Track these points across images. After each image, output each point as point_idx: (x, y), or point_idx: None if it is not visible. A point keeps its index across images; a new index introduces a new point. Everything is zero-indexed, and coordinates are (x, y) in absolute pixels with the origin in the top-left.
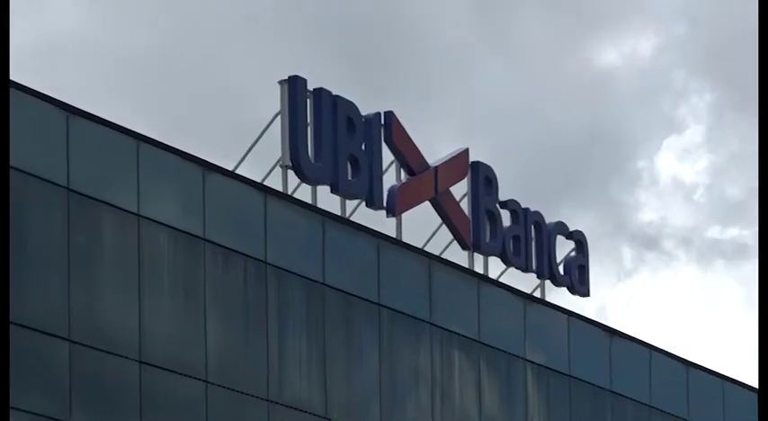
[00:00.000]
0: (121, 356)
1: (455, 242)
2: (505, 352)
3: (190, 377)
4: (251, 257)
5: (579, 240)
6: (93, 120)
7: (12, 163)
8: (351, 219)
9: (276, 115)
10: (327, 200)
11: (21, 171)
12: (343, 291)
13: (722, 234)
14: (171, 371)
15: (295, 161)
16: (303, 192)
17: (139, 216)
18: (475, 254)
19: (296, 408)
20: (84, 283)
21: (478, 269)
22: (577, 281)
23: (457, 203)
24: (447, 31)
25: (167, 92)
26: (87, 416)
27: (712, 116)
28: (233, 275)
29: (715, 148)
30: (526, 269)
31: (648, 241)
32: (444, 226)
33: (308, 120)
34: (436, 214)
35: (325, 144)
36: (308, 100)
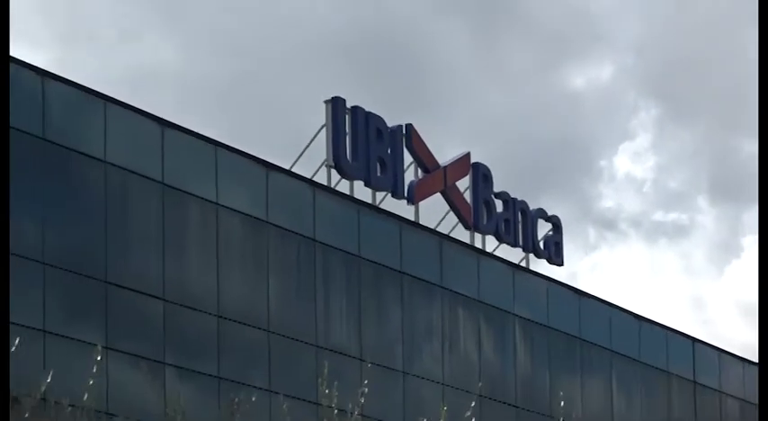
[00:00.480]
0: (203, 311)
1: (459, 224)
2: (499, 308)
3: (255, 327)
4: (303, 236)
5: (555, 223)
6: (181, 130)
7: (120, 163)
8: (379, 206)
9: (322, 127)
10: (361, 192)
11: (126, 169)
12: (373, 262)
13: (665, 217)
14: (241, 322)
15: (337, 162)
16: (343, 186)
17: (218, 205)
18: (475, 233)
19: (338, 352)
20: (175, 256)
21: (478, 245)
22: (554, 254)
23: (461, 194)
24: (453, 62)
25: (240, 108)
26: (177, 357)
27: (657, 127)
28: (289, 250)
29: (659, 152)
30: (514, 245)
31: (608, 223)
32: (451, 212)
33: (347, 131)
34: (445, 203)
35: (359, 149)
36: (346, 115)
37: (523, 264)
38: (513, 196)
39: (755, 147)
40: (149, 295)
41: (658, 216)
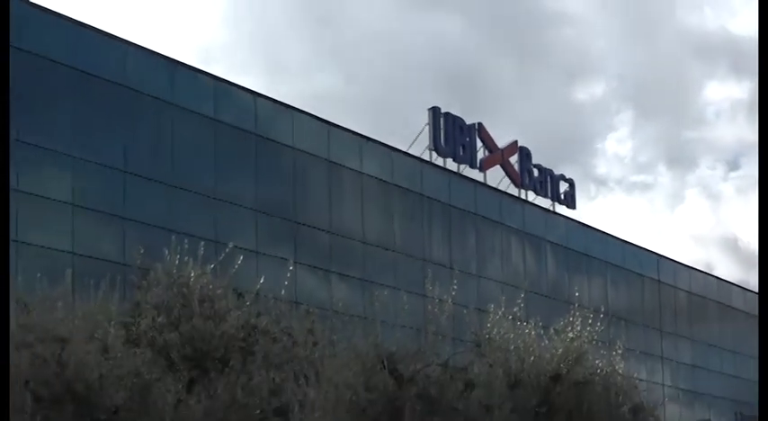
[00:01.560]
0: (354, 240)
1: (511, 184)
2: (535, 236)
3: (386, 248)
4: (415, 192)
5: (570, 183)
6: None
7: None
8: (461, 174)
9: (426, 124)
10: (450, 165)
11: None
12: (459, 208)
13: (637, 178)
14: (377, 245)
15: (436, 146)
16: (438, 162)
17: (362, 174)
18: (521, 189)
19: (437, 263)
20: (339, 209)
21: (522, 197)
22: (569, 202)
23: (512, 165)
24: (505, 82)
25: (383, 112)
26: (339, 268)
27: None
28: (409, 202)
29: (634, 137)
30: (545, 196)
31: (602, 182)
32: (506, 177)
33: (441, 127)
34: (503, 171)
35: (449, 138)
36: (441, 117)
37: (551, 208)
38: (544, 166)
39: (692, 133)
40: (318, 229)
41: (633, 178)
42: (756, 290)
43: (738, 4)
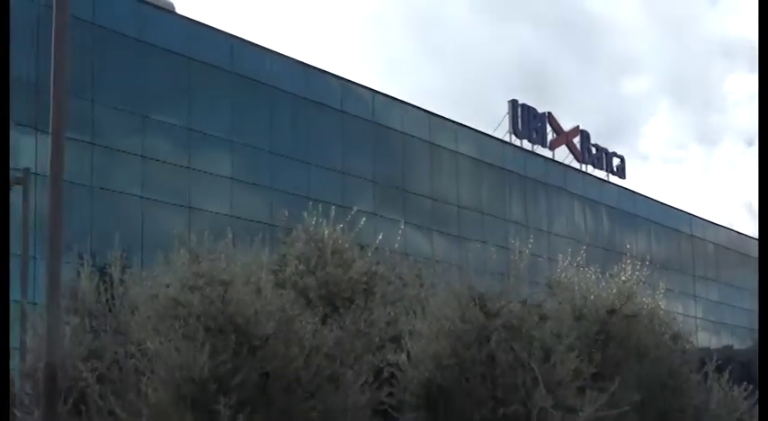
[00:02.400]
0: (451, 204)
1: (574, 160)
2: (594, 200)
3: (468, 209)
4: (495, 166)
5: (621, 158)
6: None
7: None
8: (535, 152)
9: (506, 113)
10: (526, 145)
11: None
12: (533, 179)
13: (672, 154)
14: (461, 207)
15: (514, 130)
16: (516, 143)
17: (457, 153)
18: (582, 164)
19: (513, 221)
20: (446, 176)
21: (583, 170)
22: (621, 173)
23: (575, 145)
24: (570, 84)
25: (476, 107)
26: (438, 227)
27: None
28: (488, 177)
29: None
30: (602, 169)
31: (645, 158)
32: (570, 154)
33: (518, 114)
34: (567, 150)
35: (524, 124)
36: (518, 107)
37: (605, 178)
38: (600, 145)
39: (717, 117)
40: (422, 196)
41: (670, 154)
42: None
43: (754, 15)
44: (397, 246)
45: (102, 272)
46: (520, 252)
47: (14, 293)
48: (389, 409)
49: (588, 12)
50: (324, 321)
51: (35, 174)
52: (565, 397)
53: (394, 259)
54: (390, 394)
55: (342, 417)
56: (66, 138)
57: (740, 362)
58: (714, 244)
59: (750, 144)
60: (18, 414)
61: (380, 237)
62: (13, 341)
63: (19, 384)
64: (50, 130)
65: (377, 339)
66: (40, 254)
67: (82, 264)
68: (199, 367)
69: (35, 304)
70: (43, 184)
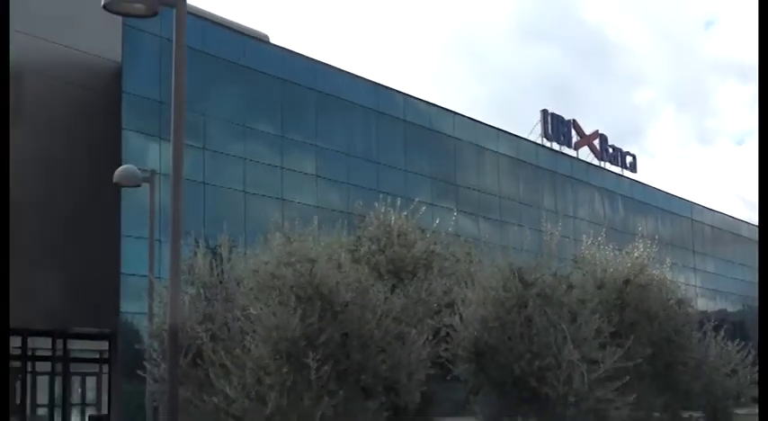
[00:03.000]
0: (494, 195)
1: (595, 158)
2: (611, 191)
3: (487, 194)
4: (530, 163)
5: (633, 157)
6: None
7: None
8: (562, 152)
9: (538, 121)
10: (555, 147)
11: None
12: (561, 174)
13: (676, 153)
14: (510, 199)
15: (545, 134)
16: (547, 144)
17: (499, 153)
18: (601, 161)
19: (545, 208)
20: (489, 172)
21: (602, 166)
22: (632, 169)
23: (595, 146)
24: (587, 87)
25: (514, 115)
26: (485, 213)
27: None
28: (524, 173)
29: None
30: (617, 165)
31: (653, 157)
32: (591, 153)
33: (549, 121)
34: (589, 149)
35: (553, 130)
36: (548, 116)
37: (621, 173)
38: (616, 146)
39: (712, 122)
40: (470, 188)
41: (674, 152)
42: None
43: (741, 37)
44: (450, 229)
45: (213, 252)
46: (550, 234)
47: (143, 269)
48: (446, 362)
49: (605, 36)
50: (392, 291)
51: (159, 173)
52: (589, 351)
53: (448, 240)
54: (446, 350)
55: (407, 369)
56: (183, 145)
57: (733, 322)
58: (710, 226)
59: (740, 143)
60: (148, 366)
61: (437, 223)
62: (142, 308)
63: (148, 342)
64: (171, 139)
65: (435, 305)
66: (164, 237)
67: (197, 246)
68: (291, 328)
69: (160, 278)
70: (166, 182)
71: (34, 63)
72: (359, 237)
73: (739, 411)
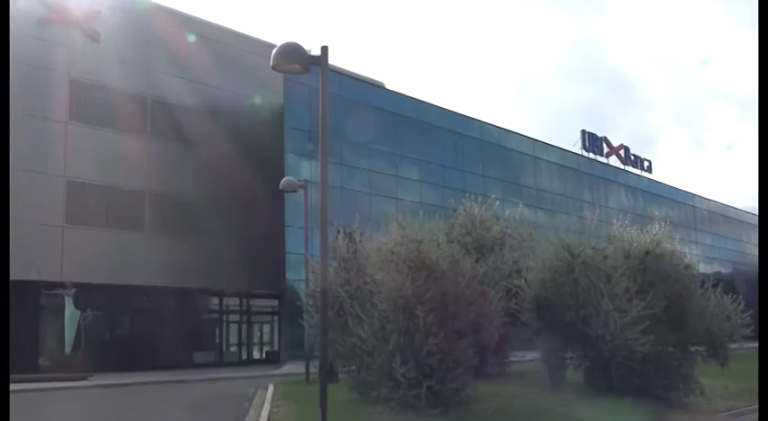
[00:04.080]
0: (546, 192)
1: (620, 163)
2: (633, 187)
3: (559, 195)
4: (572, 168)
5: (649, 162)
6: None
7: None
8: (597, 160)
9: (579, 138)
10: (591, 156)
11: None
12: (596, 176)
13: (679, 158)
14: (558, 195)
15: (584, 147)
16: (585, 155)
17: (537, 158)
18: (626, 166)
19: (584, 201)
20: (543, 175)
21: (627, 169)
22: (649, 170)
23: (621, 155)
24: (613, 114)
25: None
26: (541, 205)
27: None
28: (569, 176)
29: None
30: (637, 168)
31: (663, 160)
32: (618, 160)
33: (586, 138)
34: (616, 158)
35: (590, 143)
36: (586, 134)
37: (640, 174)
38: (636, 155)
39: (708, 135)
40: (529, 187)
41: (678, 158)
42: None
43: (727, 71)
44: (516, 217)
45: (349, 236)
46: (590, 219)
47: (300, 249)
48: (515, 312)
49: (626, 74)
50: (476, 261)
51: (310, 182)
52: (619, 304)
53: (515, 225)
54: (515, 303)
55: (488, 318)
56: (327, 162)
57: (726, 281)
58: (707, 210)
59: (728, 149)
60: (305, 317)
61: (507, 213)
62: (300, 276)
63: (305, 300)
64: (319, 157)
65: (506, 272)
66: (315, 227)
67: (338, 232)
68: (405, 289)
69: (312, 255)
70: (315, 188)
71: (228, 106)
72: (452, 224)
73: (732, 346)
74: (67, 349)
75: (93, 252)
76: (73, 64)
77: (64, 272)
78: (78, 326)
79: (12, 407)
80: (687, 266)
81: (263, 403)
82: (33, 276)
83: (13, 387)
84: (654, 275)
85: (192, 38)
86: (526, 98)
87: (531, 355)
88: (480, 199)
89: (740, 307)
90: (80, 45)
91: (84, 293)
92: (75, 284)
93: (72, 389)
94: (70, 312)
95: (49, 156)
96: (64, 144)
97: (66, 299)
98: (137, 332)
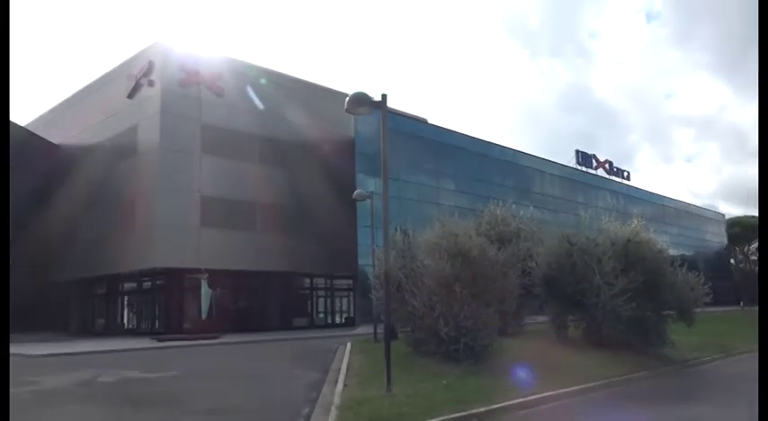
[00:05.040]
0: (550, 196)
1: (606, 174)
2: (617, 192)
3: (562, 199)
4: (571, 179)
5: (628, 172)
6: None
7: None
8: (588, 172)
9: (573, 155)
10: (584, 169)
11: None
12: (589, 184)
13: (656, 169)
14: (562, 199)
15: (578, 162)
16: (579, 168)
17: (543, 163)
18: (611, 175)
19: (580, 203)
20: (548, 186)
21: (612, 178)
22: (629, 178)
23: (607, 167)
24: (602, 138)
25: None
26: (547, 207)
27: (652, 153)
28: (568, 186)
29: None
30: (619, 177)
31: (638, 171)
32: (604, 171)
33: (580, 156)
34: (603, 170)
35: (583, 159)
36: (580, 153)
37: (622, 182)
38: (619, 167)
39: (686, 149)
40: (538, 193)
41: (654, 168)
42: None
43: (688, 102)
44: (528, 216)
45: (404, 232)
46: (584, 216)
47: (368, 242)
48: (529, 286)
49: (609, 106)
50: (498, 249)
51: (375, 193)
52: (608, 279)
53: (527, 222)
54: (529, 280)
55: (508, 291)
56: (388, 178)
57: (689, 261)
58: (672, 208)
59: (689, 161)
60: (373, 292)
61: (521, 213)
62: (369, 262)
63: (372, 280)
64: (381, 175)
65: (522, 257)
66: (378, 225)
67: (395, 230)
68: (446, 270)
69: (377, 246)
70: (378, 197)
71: (313, 139)
72: (480, 222)
73: (696, 310)
74: (203, 316)
75: (221, 246)
76: (204, 112)
77: (200, 261)
78: (211, 300)
79: (169, 356)
80: (660, 250)
81: (344, 355)
82: (179, 264)
83: (166, 343)
84: (634, 257)
85: (263, 81)
86: (534, 126)
87: (541, 319)
88: (500, 203)
89: (701, 281)
90: (209, 99)
91: (215, 276)
92: (208, 270)
93: (208, 345)
94: (205, 290)
95: (188, 179)
96: (198, 169)
97: (202, 280)
98: (252, 304)
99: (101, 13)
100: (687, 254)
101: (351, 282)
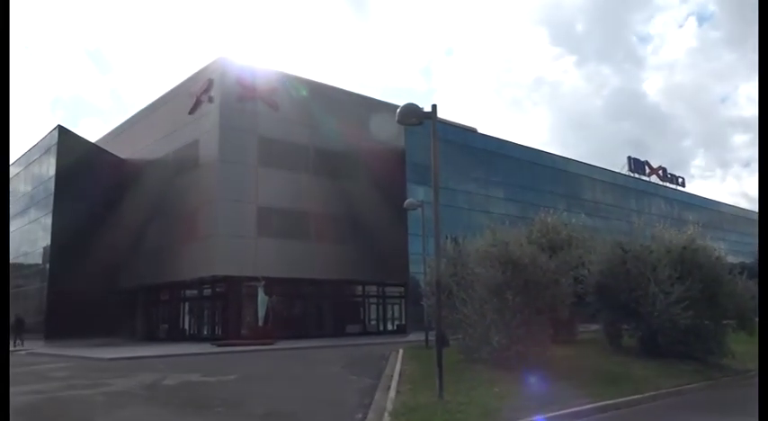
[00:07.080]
0: (600, 203)
1: (659, 180)
2: (670, 198)
3: (612, 206)
4: (621, 186)
5: (683, 178)
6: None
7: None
8: (641, 178)
9: (626, 162)
10: (636, 176)
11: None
12: (641, 191)
13: (704, 175)
14: (611, 206)
15: (631, 169)
16: (632, 175)
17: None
18: (664, 182)
19: (632, 210)
20: (599, 192)
21: (665, 185)
22: (683, 185)
23: (660, 174)
24: (654, 144)
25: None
26: (596, 213)
27: (705, 160)
28: (619, 192)
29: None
30: (673, 183)
31: (694, 177)
32: (657, 178)
33: (632, 162)
34: (657, 177)
35: (635, 166)
36: (632, 160)
37: (676, 188)
38: (672, 173)
39: (729, 155)
40: (586, 200)
41: (704, 175)
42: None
43: (744, 105)
44: (580, 223)
45: (455, 240)
46: (637, 223)
47: (419, 250)
48: (581, 294)
49: (661, 111)
50: (550, 257)
51: (425, 202)
52: (664, 287)
53: (578, 229)
54: (581, 288)
55: (560, 299)
56: (439, 188)
57: (749, 269)
58: (731, 214)
59: (746, 166)
60: (424, 299)
61: (572, 221)
62: (420, 270)
63: (423, 287)
64: (432, 184)
65: (573, 264)
66: (429, 234)
67: (446, 238)
68: (497, 278)
69: (428, 255)
70: (429, 206)
71: (365, 149)
72: (531, 230)
73: (756, 319)
74: (260, 323)
75: (276, 255)
76: (260, 126)
77: (257, 269)
78: (267, 307)
79: (228, 361)
80: (718, 257)
81: (397, 361)
82: (237, 272)
83: (224, 349)
84: (691, 265)
85: (303, 92)
86: (585, 133)
87: (594, 327)
88: (551, 210)
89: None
90: (264, 112)
91: (271, 284)
92: (265, 278)
93: (264, 351)
94: (261, 297)
95: (246, 190)
96: (255, 181)
97: (259, 288)
98: (306, 311)
99: (162, 35)
100: (747, 261)
101: (402, 289)
